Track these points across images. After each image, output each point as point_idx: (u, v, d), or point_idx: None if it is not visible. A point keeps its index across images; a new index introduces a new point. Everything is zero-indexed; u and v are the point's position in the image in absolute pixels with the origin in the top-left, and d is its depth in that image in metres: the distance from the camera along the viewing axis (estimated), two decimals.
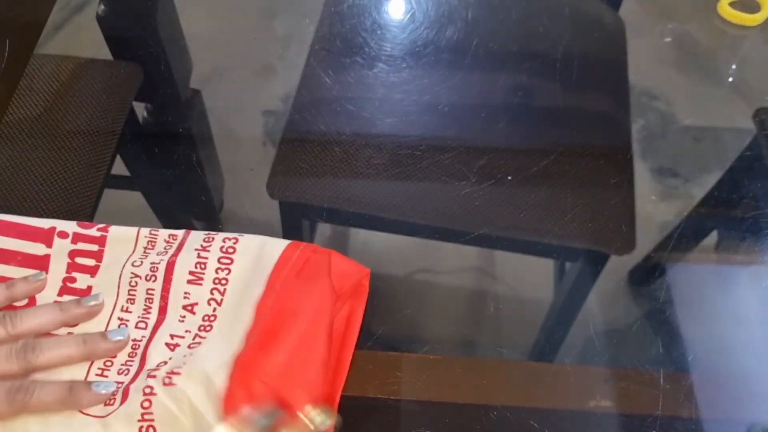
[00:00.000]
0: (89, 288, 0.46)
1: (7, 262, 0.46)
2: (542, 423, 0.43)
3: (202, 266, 0.45)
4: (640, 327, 0.49)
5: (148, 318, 0.45)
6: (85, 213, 0.52)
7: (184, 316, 0.45)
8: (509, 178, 0.55)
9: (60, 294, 0.46)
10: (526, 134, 0.60)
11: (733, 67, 0.65)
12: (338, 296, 0.45)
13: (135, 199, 0.56)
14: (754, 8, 0.66)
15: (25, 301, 0.45)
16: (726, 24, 0.67)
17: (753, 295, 0.50)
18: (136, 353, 0.44)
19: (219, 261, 0.46)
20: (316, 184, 0.55)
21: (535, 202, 0.55)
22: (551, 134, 0.60)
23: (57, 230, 0.47)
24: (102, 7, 0.65)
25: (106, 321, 0.45)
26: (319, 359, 0.42)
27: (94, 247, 0.47)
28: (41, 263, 0.46)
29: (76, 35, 0.65)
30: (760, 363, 0.47)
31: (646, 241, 0.53)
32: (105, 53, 0.63)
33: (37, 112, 0.57)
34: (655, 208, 0.55)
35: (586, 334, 0.48)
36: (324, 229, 0.54)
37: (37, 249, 0.47)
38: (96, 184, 0.54)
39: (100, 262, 0.46)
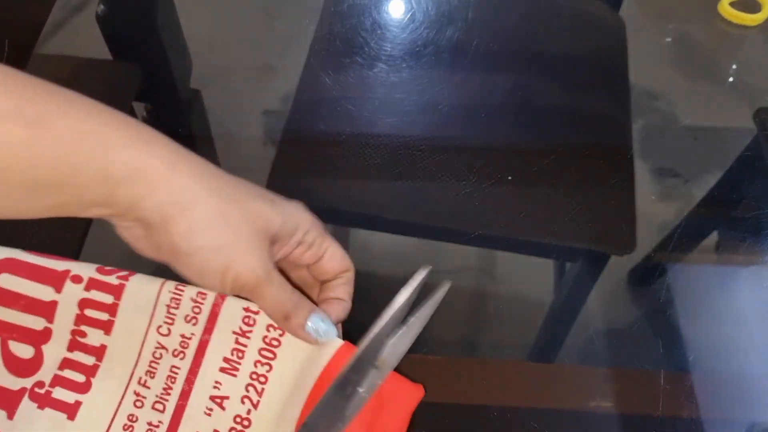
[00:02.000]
0: (103, 347, 0.41)
1: (10, 306, 0.42)
2: (542, 423, 0.43)
3: (240, 354, 0.40)
4: (640, 327, 0.49)
5: (167, 400, 0.40)
6: None
7: (211, 409, 0.40)
8: (509, 178, 0.55)
9: (70, 350, 0.41)
10: (526, 134, 0.60)
11: (734, 66, 0.65)
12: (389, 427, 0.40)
13: None
14: (755, 8, 0.66)
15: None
16: (726, 24, 0.67)
17: (753, 295, 0.50)
18: None
19: (260, 353, 0.40)
20: (316, 184, 0.55)
21: (535, 202, 0.55)
22: (551, 134, 0.60)
23: (71, 273, 0.42)
24: (101, 6, 0.65)
25: (121, 393, 0.41)
26: None
27: (109, 299, 0.41)
28: (47, 311, 0.41)
29: (76, 35, 0.65)
30: (761, 363, 0.47)
31: (646, 241, 0.53)
32: (105, 53, 0.63)
33: None
34: (656, 208, 0.55)
35: (586, 335, 0.48)
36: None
37: (45, 293, 0.42)
38: None
39: (114, 317, 0.41)
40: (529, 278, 0.53)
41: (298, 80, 0.62)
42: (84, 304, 0.41)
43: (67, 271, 0.42)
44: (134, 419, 0.41)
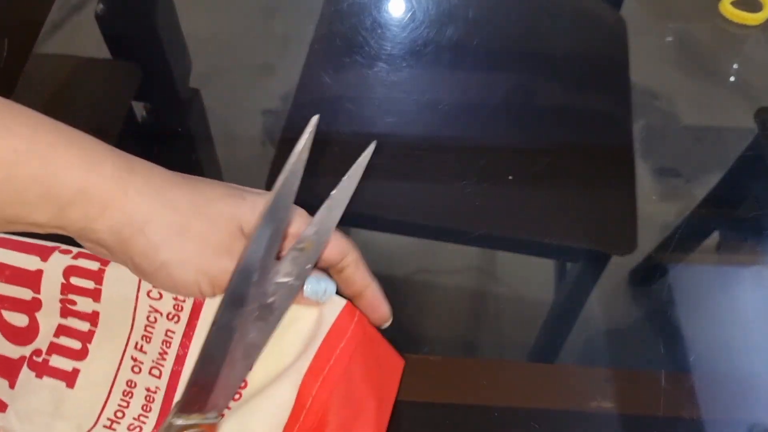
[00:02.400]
0: (95, 313, 0.40)
1: None
2: (543, 423, 0.43)
3: None
4: (641, 327, 0.49)
5: (162, 365, 0.40)
6: None
7: None
8: (510, 178, 0.55)
9: (63, 316, 0.41)
10: (527, 134, 0.60)
11: (735, 66, 0.64)
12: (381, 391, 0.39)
13: None
14: (756, 7, 0.66)
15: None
16: (728, 23, 0.67)
17: (754, 295, 0.50)
18: (150, 407, 0.40)
19: None
20: (316, 184, 0.55)
21: (535, 202, 0.55)
22: (552, 134, 0.59)
23: (60, 248, 0.41)
24: (101, 6, 0.65)
25: (119, 359, 0.40)
26: None
27: (95, 266, 0.40)
28: (32, 281, 0.41)
29: (75, 34, 0.64)
30: (762, 363, 0.47)
31: (647, 241, 0.52)
32: (104, 52, 0.63)
33: None
34: (657, 208, 0.55)
35: (587, 335, 0.48)
36: None
37: (30, 262, 0.41)
38: None
39: (101, 285, 0.40)
40: (530, 278, 0.53)
41: (298, 80, 0.62)
42: (69, 271, 0.40)
43: (57, 246, 0.41)
44: (133, 385, 0.40)
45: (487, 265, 0.52)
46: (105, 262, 0.40)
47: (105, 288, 0.40)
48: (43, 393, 0.40)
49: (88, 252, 0.40)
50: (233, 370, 0.35)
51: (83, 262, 0.40)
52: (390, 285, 0.48)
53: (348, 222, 0.55)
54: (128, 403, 0.40)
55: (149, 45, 0.63)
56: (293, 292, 0.36)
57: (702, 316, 0.49)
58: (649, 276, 0.51)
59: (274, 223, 0.34)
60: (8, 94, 0.57)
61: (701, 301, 0.50)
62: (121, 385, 0.40)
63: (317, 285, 0.37)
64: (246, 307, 0.34)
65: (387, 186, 0.55)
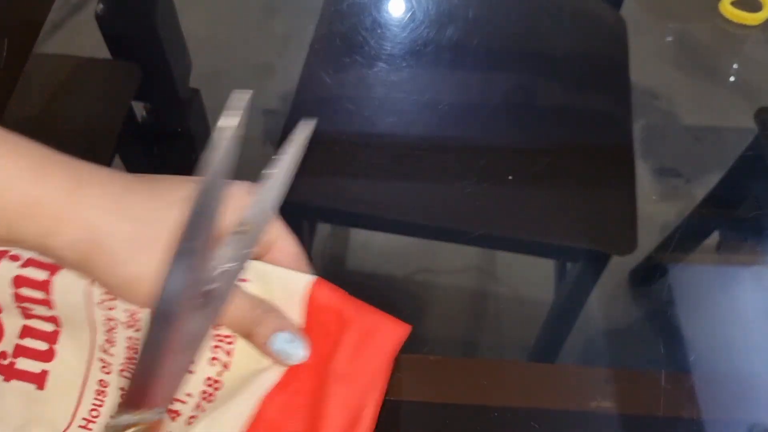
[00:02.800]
0: (55, 317, 0.39)
1: None
2: (542, 423, 0.43)
3: None
4: (641, 327, 0.49)
5: (132, 368, 0.38)
6: None
7: None
8: (510, 178, 0.55)
9: (26, 317, 0.39)
10: (527, 134, 0.60)
11: (735, 66, 0.64)
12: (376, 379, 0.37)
13: None
14: (756, 7, 0.66)
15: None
16: (728, 23, 0.67)
17: (754, 295, 0.50)
18: None
19: None
20: (316, 184, 0.55)
21: (535, 202, 0.54)
22: (552, 134, 0.59)
23: (9, 253, 0.38)
24: (101, 6, 0.65)
25: (87, 359, 0.39)
26: None
27: (42, 275, 0.38)
28: None
29: (75, 34, 0.64)
30: (762, 363, 0.47)
31: (647, 241, 0.52)
32: (104, 52, 0.63)
33: (35, 112, 0.57)
34: (657, 208, 0.55)
35: (587, 335, 0.48)
36: (324, 229, 0.54)
37: None
38: None
39: (50, 295, 0.38)
40: (530, 278, 0.53)
41: (298, 79, 0.62)
42: (18, 281, 0.38)
43: (6, 251, 0.39)
44: (106, 384, 0.39)
45: (487, 265, 0.52)
46: (53, 271, 0.38)
47: (56, 298, 0.38)
48: (12, 395, 0.40)
49: (39, 260, 0.38)
50: (175, 361, 0.34)
51: (31, 272, 0.38)
52: (390, 285, 0.48)
53: (348, 222, 0.55)
54: (103, 402, 0.39)
55: (149, 45, 0.63)
56: (234, 277, 0.35)
57: (702, 316, 0.49)
58: (649, 276, 0.51)
59: (210, 201, 0.33)
60: (8, 94, 0.58)
61: (701, 301, 0.50)
62: (93, 385, 0.40)
63: (283, 345, 0.35)
64: (185, 294, 0.33)
65: (387, 186, 0.55)
